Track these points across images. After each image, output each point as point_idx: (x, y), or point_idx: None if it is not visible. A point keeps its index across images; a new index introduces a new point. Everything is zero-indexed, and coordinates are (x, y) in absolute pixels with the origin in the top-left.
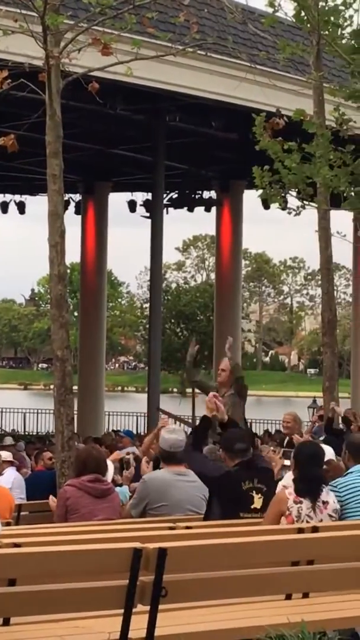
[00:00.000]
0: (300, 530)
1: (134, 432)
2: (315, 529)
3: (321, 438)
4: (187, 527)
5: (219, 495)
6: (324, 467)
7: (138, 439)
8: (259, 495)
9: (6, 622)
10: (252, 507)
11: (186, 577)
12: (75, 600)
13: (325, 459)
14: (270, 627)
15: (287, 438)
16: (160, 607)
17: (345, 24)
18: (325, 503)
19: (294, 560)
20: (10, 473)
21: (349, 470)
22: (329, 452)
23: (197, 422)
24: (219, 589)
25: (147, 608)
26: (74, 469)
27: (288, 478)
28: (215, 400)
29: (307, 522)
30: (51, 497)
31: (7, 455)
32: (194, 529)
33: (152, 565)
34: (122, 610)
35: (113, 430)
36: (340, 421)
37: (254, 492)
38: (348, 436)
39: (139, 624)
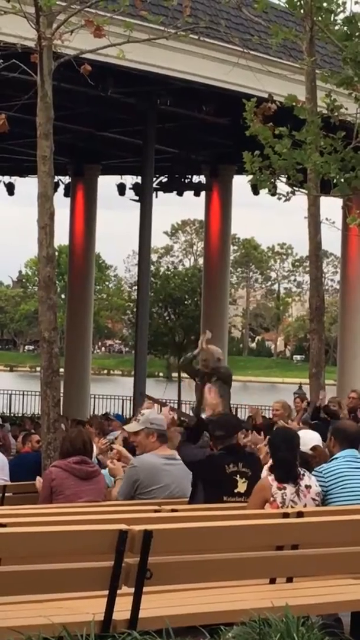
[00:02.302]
0: (285, 515)
1: (120, 414)
2: (300, 514)
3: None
4: (173, 510)
5: (203, 478)
6: (310, 452)
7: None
8: (243, 479)
9: None
10: (236, 491)
11: (171, 559)
12: (60, 580)
13: (312, 445)
14: (254, 611)
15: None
16: (145, 589)
17: (338, 10)
18: (308, 487)
19: (279, 544)
20: None
21: (334, 456)
22: (315, 438)
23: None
24: (204, 572)
25: (132, 590)
26: (61, 451)
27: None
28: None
29: (292, 507)
30: (38, 478)
31: None
32: (179, 512)
33: (138, 547)
34: (106, 592)
35: (105, 414)
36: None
37: (238, 476)
38: (334, 422)
39: (123, 605)
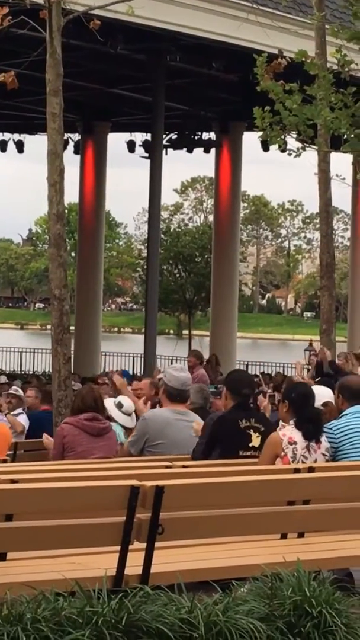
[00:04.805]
0: (297, 470)
1: (130, 372)
2: (311, 469)
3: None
4: (184, 466)
5: (218, 435)
6: (322, 409)
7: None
8: (257, 434)
9: (2, 557)
10: (251, 445)
11: (183, 515)
12: (72, 536)
13: (324, 401)
14: (266, 566)
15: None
16: (157, 544)
17: None
18: (318, 443)
19: (290, 499)
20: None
21: (343, 413)
22: (326, 394)
23: None
24: (215, 527)
25: (144, 545)
26: (72, 407)
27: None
28: None
29: (303, 462)
30: (45, 435)
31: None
32: (190, 468)
33: (149, 502)
34: (119, 547)
35: (105, 372)
36: (327, 366)
37: (251, 430)
38: (340, 379)
39: (135, 560)
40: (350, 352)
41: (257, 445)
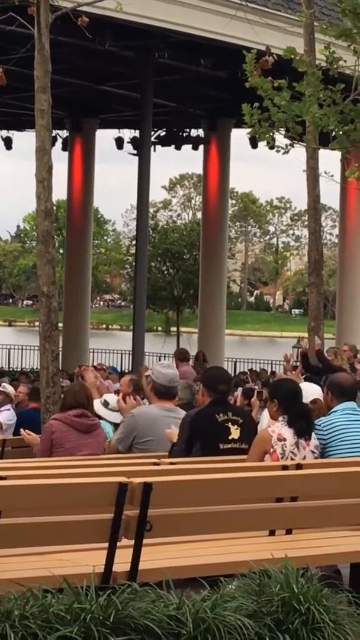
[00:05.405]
0: (285, 467)
1: (119, 369)
2: (299, 466)
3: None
4: (172, 463)
5: (198, 431)
6: (310, 405)
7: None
8: (235, 426)
9: None
10: (230, 437)
11: (171, 511)
12: (60, 533)
13: (312, 398)
14: (254, 563)
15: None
16: (145, 541)
17: None
18: (308, 440)
19: (278, 496)
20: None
21: (332, 410)
22: (316, 392)
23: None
24: (203, 524)
25: (132, 542)
26: (63, 403)
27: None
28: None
29: (292, 458)
30: (24, 430)
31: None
32: (178, 465)
33: (137, 499)
34: (107, 544)
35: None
36: (313, 356)
37: (229, 423)
38: (329, 376)
39: (123, 557)
40: (339, 348)
41: (236, 437)
